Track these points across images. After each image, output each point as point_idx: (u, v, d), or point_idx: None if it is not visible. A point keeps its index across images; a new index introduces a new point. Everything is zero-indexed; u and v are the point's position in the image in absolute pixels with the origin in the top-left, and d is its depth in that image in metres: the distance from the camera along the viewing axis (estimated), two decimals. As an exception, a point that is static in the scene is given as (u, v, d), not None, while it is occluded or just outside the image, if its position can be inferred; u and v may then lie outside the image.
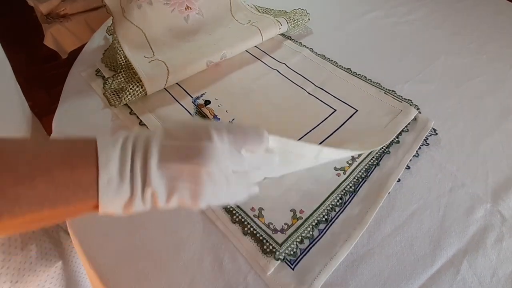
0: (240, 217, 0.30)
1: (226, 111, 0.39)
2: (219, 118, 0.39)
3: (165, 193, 0.21)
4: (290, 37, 0.52)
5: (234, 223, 0.30)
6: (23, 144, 0.20)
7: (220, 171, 0.21)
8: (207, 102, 0.40)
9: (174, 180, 0.20)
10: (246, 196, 0.24)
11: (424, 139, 0.38)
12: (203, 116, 0.39)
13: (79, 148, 0.20)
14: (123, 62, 0.42)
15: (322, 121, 0.39)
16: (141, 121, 0.38)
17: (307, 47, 0.50)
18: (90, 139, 0.20)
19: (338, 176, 0.34)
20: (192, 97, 0.41)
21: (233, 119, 0.39)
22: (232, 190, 0.22)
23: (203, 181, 0.20)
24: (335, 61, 0.47)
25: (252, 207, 0.31)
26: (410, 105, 0.41)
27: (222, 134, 0.21)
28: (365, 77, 0.45)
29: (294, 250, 0.28)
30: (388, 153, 0.36)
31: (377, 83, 0.44)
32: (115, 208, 0.20)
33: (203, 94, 0.41)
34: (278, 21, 0.49)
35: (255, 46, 0.48)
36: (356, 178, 0.34)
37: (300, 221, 0.30)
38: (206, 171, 0.20)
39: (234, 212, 0.30)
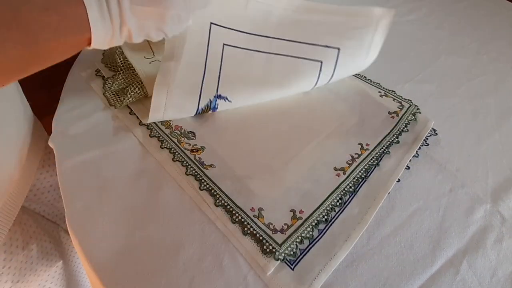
0: (240, 217, 0.30)
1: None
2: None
3: (137, 31, 0.25)
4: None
5: (234, 223, 0.30)
6: None
7: (177, 11, 0.26)
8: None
9: (143, 20, 0.25)
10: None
11: (424, 139, 0.38)
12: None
13: None
14: (121, 63, 0.42)
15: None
16: (141, 121, 0.38)
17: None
18: None
19: (338, 176, 0.34)
20: None
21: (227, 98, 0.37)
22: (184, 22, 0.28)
23: (166, 22, 0.26)
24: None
25: (252, 207, 0.31)
26: (410, 105, 0.41)
27: None
28: (364, 77, 0.45)
29: (294, 250, 0.28)
30: (388, 153, 0.36)
31: (377, 83, 0.44)
32: (102, 43, 0.25)
33: None
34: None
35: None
36: (356, 178, 0.34)
37: (300, 221, 0.30)
38: (169, 14, 0.25)
39: (234, 212, 0.30)
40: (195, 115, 0.37)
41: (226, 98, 0.37)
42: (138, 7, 0.24)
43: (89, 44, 0.24)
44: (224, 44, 0.35)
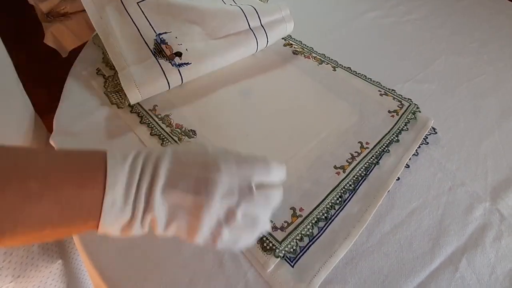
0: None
1: (186, 49, 0.40)
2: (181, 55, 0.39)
3: (164, 221, 0.20)
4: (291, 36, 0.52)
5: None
6: (36, 156, 0.19)
7: (222, 210, 0.20)
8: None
9: (175, 208, 0.20)
10: (253, 240, 0.22)
11: (423, 138, 0.38)
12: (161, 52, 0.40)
13: (89, 165, 0.20)
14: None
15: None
16: (141, 119, 0.38)
17: (307, 46, 0.50)
18: (100, 154, 0.20)
19: (338, 175, 0.34)
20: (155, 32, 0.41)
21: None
22: (235, 233, 0.21)
23: (203, 215, 0.20)
24: (335, 61, 0.47)
25: (252, 205, 0.31)
26: (410, 104, 0.41)
27: (231, 166, 0.21)
28: (365, 76, 0.45)
29: (294, 247, 0.28)
30: (388, 152, 0.36)
31: (377, 82, 0.44)
32: (114, 230, 0.20)
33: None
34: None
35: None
36: (356, 176, 0.34)
37: (300, 219, 0.30)
38: (207, 206, 0.20)
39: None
40: (169, 88, 0.40)
41: (186, 64, 0.39)
42: (172, 191, 0.20)
43: (95, 229, 0.20)
44: (137, 3, 0.41)
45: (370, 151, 0.36)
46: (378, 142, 0.37)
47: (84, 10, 0.41)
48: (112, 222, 0.19)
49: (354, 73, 0.45)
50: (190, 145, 0.23)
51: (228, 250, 0.28)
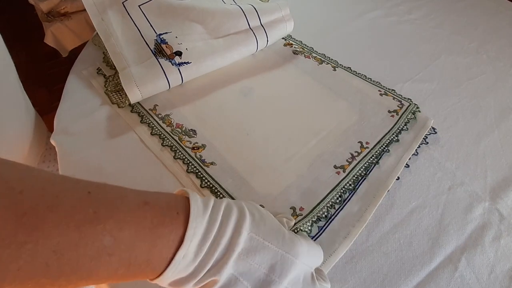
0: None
1: (186, 48, 0.40)
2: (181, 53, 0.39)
3: (221, 284, 0.19)
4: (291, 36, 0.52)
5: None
6: (117, 201, 0.18)
7: None
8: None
9: (241, 275, 0.19)
10: None
11: (423, 138, 0.38)
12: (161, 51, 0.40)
13: (166, 216, 0.18)
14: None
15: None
16: (142, 118, 0.38)
17: (307, 46, 0.50)
18: (181, 200, 0.19)
19: (338, 174, 0.34)
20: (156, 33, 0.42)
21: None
22: None
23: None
24: (335, 60, 0.47)
25: (253, 205, 0.31)
26: (410, 104, 0.41)
27: (304, 250, 0.21)
28: (365, 76, 0.45)
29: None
30: (388, 152, 0.36)
31: (377, 82, 0.44)
32: (167, 281, 0.18)
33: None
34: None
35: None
36: (356, 176, 0.34)
37: (299, 218, 0.30)
38: (275, 283, 0.19)
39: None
40: (170, 88, 0.40)
41: (186, 63, 0.39)
42: (248, 261, 0.18)
43: (151, 279, 0.18)
44: (139, 6, 0.42)
45: (370, 150, 0.36)
46: (378, 142, 0.37)
47: (84, 10, 0.41)
48: (172, 276, 0.18)
49: (354, 73, 0.45)
50: (261, 209, 0.23)
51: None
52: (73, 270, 0.15)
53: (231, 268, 0.19)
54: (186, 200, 0.19)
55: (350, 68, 0.46)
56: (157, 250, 0.17)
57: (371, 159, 0.35)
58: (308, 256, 0.21)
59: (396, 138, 0.37)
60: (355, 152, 0.36)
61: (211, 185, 0.32)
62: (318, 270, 0.24)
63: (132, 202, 0.18)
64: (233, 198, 0.31)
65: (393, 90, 0.43)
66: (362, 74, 0.45)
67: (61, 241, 0.15)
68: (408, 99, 0.42)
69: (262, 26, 0.44)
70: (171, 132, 0.37)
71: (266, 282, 0.19)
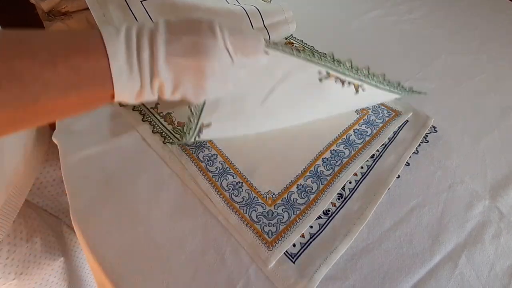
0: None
1: None
2: None
3: (171, 86, 0.22)
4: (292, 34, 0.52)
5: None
6: (37, 34, 0.20)
7: (221, 68, 0.22)
8: None
9: (179, 73, 0.21)
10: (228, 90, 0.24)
11: (424, 136, 0.38)
12: None
13: (86, 39, 0.20)
14: None
15: None
16: (143, 117, 0.38)
17: (308, 45, 0.50)
18: (94, 30, 0.21)
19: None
20: None
21: None
22: (227, 86, 0.23)
23: (207, 76, 0.22)
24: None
25: (254, 202, 0.31)
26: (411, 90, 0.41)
27: (224, 33, 0.22)
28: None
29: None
30: (388, 150, 0.36)
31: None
32: (128, 97, 0.21)
33: None
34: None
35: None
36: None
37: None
38: (211, 67, 0.21)
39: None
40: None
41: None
42: (174, 58, 0.21)
43: (112, 99, 0.21)
44: (141, 1, 0.40)
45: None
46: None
47: (85, 8, 0.41)
48: (124, 89, 0.20)
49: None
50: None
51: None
52: (26, 86, 0.17)
53: (165, 68, 0.21)
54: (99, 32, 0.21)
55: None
56: (94, 62, 0.19)
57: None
58: (230, 35, 0.22)
59: (397, 136, 0.38)
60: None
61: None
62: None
63: (54, 32, 0.22)
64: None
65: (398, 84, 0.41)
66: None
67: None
68: (410, 89, 0.39)
69: (265, 27, 0.44)
70: (172, 130, 0.37)
71: (199, 67, 0.21)
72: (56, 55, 0.18)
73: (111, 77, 0.20)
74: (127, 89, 0.21)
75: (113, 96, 0.21)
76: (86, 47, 0.19)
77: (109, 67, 0.19)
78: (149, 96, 0.22)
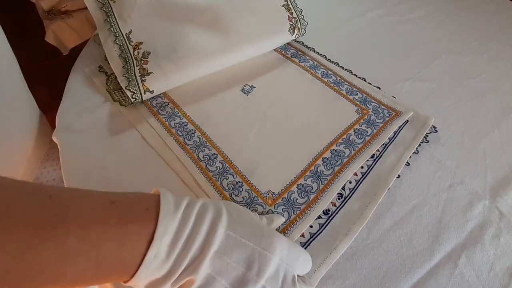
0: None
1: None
2: None
3: (199, 284, 0.19)
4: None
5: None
6: (78, 202, 0.17)
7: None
8: None
9: (218, 274, 0.19)
10: None
11: (424, 136, 0.38)
12: None
13: (135, 213, 0.18)
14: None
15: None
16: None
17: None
18: (151, 199, 0.18)
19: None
20: None
21: None
22: None
23: None
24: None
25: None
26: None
27: (283, 249, 0.20)
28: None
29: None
30: (388, 150, 0.36)
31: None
32: (142, 284, 0.18)
33: None
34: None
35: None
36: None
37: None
38: (253, 284, 0.19)
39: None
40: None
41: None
42: (225, 259, 0.18)
43: (123, 281, 0.18)
44: None
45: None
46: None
47: (85, 8, 0.41)
48: (146, 276, 0.18)
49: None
50: (239, 207, 0.23)
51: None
52: (36, 274, 0.15)
53: (208, 267, 0.18)
54: (158, 198, 0.19)
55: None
56: (128, 248, 0.17)
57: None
58: (288, 254, 0.21)
59: (396, 136, 0.38)
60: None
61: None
62: (303, 278, 0.24)
63: (97, 202, 0.18)
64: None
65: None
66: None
67: (19, 246, 0.15)
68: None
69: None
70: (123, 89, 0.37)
71: (244, 280, 0.19)
72: (85, 244, 0.16)
73: (139, 265, 0.17)
74: (149, 276, 0.18)
75: (128, 281, 0.18)
76: (126, 232, 0.17)
77: (143, 255, 0.17)
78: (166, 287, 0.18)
